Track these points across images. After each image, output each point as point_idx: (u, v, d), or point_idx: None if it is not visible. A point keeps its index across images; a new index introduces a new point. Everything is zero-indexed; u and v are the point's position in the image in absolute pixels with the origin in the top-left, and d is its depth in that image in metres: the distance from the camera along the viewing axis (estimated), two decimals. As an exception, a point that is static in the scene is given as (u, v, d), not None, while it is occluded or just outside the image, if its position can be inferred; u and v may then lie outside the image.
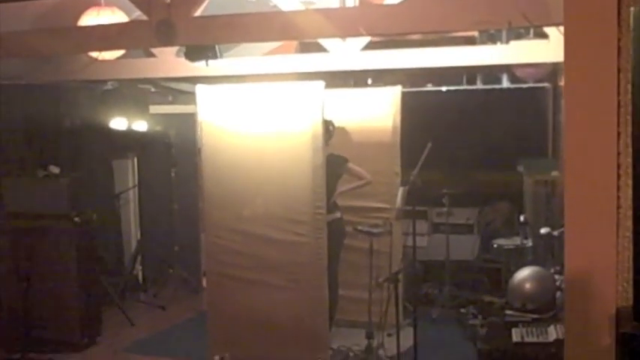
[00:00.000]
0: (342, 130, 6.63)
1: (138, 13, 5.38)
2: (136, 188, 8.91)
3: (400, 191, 5.79)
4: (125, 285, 8.24)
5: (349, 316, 6.64)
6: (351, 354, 6.21)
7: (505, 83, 8.05)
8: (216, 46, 5.23)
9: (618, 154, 2.84)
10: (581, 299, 2.92)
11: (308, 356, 5.71)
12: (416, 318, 5.66)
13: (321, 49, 6.21)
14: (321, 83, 5.56)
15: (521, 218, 7.15)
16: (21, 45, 5.38)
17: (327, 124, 6.04)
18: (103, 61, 6.33)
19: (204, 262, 6.65)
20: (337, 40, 6.05)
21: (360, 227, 6.27)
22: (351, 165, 6.31)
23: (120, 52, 6.18)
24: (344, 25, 4.62)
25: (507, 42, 6.10)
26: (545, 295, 5.58)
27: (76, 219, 6.64)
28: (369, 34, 5.21)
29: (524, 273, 5.88)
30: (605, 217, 2.83)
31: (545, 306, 5.52)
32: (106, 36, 5.25)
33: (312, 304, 5.74)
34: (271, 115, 5.74)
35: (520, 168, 7.66)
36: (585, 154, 2.84)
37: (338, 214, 6.34)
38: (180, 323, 7.54)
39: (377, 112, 6.77)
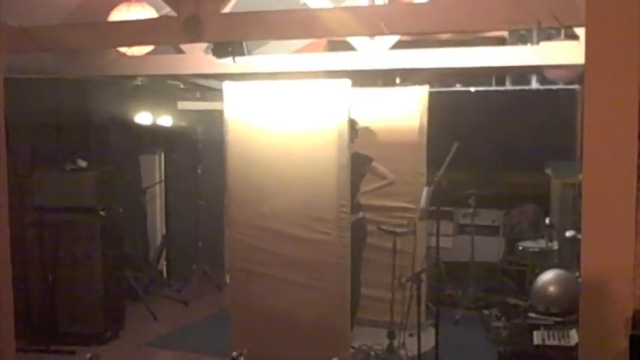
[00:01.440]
0: (369, 129, 6.61)
1: (167, 10, 5.41)
2: (163, 183, 8.97)
3: (425, 191, 5.76)
4: (149, 279, 8.30)
5: (371, 315, 6.63)
6: (372, 353, 6.20)
7: (534, 84, 7.99)
8: (244, 43, 5.24)
9: (639, 156, 2.80)
10: (598, 302, 2.89)
11: (329, 354, 5.68)
12: (438, 319, 5.64)
13: (349, 47, 6.20)
14: (348, 81, 5.55)
15: (547, 221, 7.09)
16: (52, 39, 5.42)
17: (352, 123, 6.03)
18: (132, 57, 6.36)
19: (228, 259, 6.66)
20: (366, 39, 6.04)
21: (384, 227, 6.26)
22: (375, 164, 6.29)
23: (149, 48, 6.21)
24: (372, 23, 4.60)
25: (537, 43, 6.05)
26: (569, 298, 5.52)
27: (103, 213, 6.70)
28: (395, 33, 5.20)
29: (548, 276, 5.84)
30: (623, 221, 2.80)
31: (568, 309, 5.47)
32: (135, 31, 5.28)
33: (334, 303, 5.72)
34: (297, 112, 5.74)
35: (548, 170, 7.59)
36: (604, 156, 2.80)
37: (361, 214, 6.33)
38: (203, 319, 7.58)
39: (404, 112, 6.75)
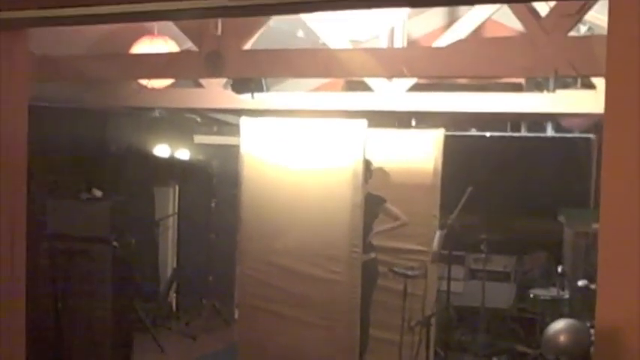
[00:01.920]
0: (383, 170, 6.63)
1: (189, 44, 5.49)
2: (176, 216, 8.99)
3: (437, 234, 5.77)
4: (158, 312, 8.27)
5: (379, 357, 6.57)
6: (380, 396, 6.15)
7: (550, 132, 8.01)
8: (263, 80, 5.31)
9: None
10: (612, 353, 2.86)
11: (336, 395, 5.67)
12: (447, 364, 5.60)
13: (366, 88, 6.25)
14: (364, 122, 5.59)
15: (559, 269, 7.05)
16: (74, 69, 5.52)
17: (367, 164, 6.06)
18: (152, 89, 6.44)
19: (238, 294, 6.66)
20: (383, 80, 6.09)
21: (395, 268, 6.24)
22: (388, 205, 6.30)
23: (169, 81, 6.29)
24: (390, 65, 4.65)
25: (554, 91, 6.07)
26: (580, 348, 5.48)
27: (115, 243, 6.71)
28: (413, 75, 5.24)
29: (559, 325, 5.79)
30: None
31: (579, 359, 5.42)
32: (156, 64, 5.36)
33: (343, 343, 5.70)
34: (313, 150, 5.77)
35: (561, 218, 7.57)
36: (622, 205, 2.80)
37: (373, 254, 6.32)
38: (210, 354, 7.54)
39: (419, 154, 6.76)
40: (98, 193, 6.94)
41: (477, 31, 6.29)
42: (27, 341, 4.16)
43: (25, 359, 4.17)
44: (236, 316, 7.25)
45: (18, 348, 3.92)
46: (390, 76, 5.76)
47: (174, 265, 8.97)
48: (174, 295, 8.86)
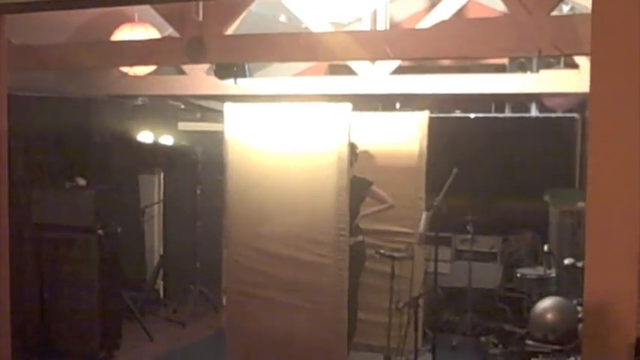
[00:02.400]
0: (368, 153, 6.63)
1: (170, 31, 5.45)
2: (161, 203, 8.97)
3: (424, 216, 5.77)
4: (146, 299, 8.27)
5: (368, 339, 6.60)
6: (369, 378, 6.18)
7: (534, 112, 8.04)
8: (246, 65, 5.29)
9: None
10: (600, 329, 2.89)
11: (325, 378, 5.69)
12: (435, 344, 5.63)
13: (350, 71, 6.24)
14: (348, 105, 5.57)
15: (546, 248, 7.09)
16: (55, 58, 5.47)
17: (352, 147, 6.06)
18: (134, 77, 6.41)
19: (225, 280, 6.66)
20: (366, 64, 6.08)
21: (381, 251, 6.25)
22: (374, 188, 6.29)
23: (151, 68, 6.25)
24: (373, 47, 4.64)
25: (537, 71, 6.09)
26: (567, 326, 5.52)
27: (100, 231, 6.69)
28: (396, 57, 5.23)
29: (546, 303, 5.83)
30: (627, 247, 2.81)
31: (566, 337, 5.46)
32: (137, 51, 5.32)
33: (331, 326, 5.71)
34: (297, 135, 5.76)
35: (546, 198, 7.61)
36: (609, 182, 2.82)
37: (360, 237, 6.33)
38: (199, 340, 7.54)
39: (404, 137, 6.76)
40: (82, 182, 6.92)
41: (460, 13, 6.28)
42: (14, 330, 4.15)
43: (12, 348, 4.16)
44: (224, 302, 7.24)
45: (3, 336, 3.91)
46: (373, 59, 5.75)
47: (161, 253, 8.96)
48: (162, 282, 8.85)
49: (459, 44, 4.37)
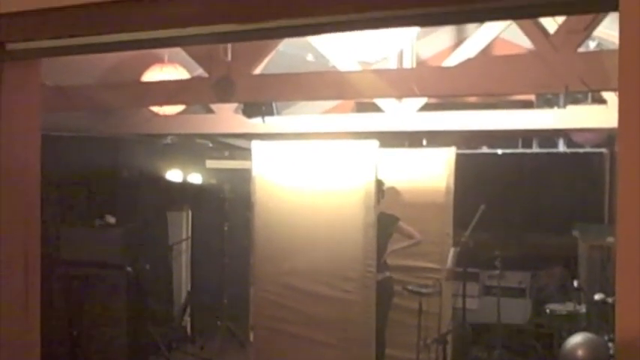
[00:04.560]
0: (395, 189, 6.64)
1: (200, 71, 5.53)
2: (189, 240, 9.00)
3: (451, 252, 5.76)
4: (173, 336, 8.27)
5: (396, 377, 6.56)
6: (398, 416, 6.12)
7: (561, 147, 8.00)
8: (273, 104, 5.34)
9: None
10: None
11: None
12: (465, 382, 5.57)
13: (377, 109, 6.27)
14: (375, 142, 5.61)
15: (575, 284, 7.02)
16: (86, 98, 5.56)
17: (379, 184, 6.08)
18: (164, 116, 6.49)
19: (252, 316, 6.66)
20: (393, 101, 6.11)
21: (409, 287, 6.23)
22: (402, 224, 6.30)
23: (180, 108, 6.33)
24: (400, 85, 4.67)
25: (564, 106, 6.08)
26: (599, 363, 5.45)
27: (129, 269, 6.73)
28: (423, 95, 5.26)
29: (576, 339, 5.76)
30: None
31: (598, 375, 5.39)
32: (167, 91, 5.39)
33: (360, 363, 5.69)
34: (324, 172, 5.79)
35: (575, 233, 7.55)
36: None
37: (388, 273, 6.32)
38: (227, 377, 7.53)
39: (430, 173, 6.77)
40: (112, 220, 6.98)
41: (486, 50, 6.31)
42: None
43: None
44: (251, 338, 7.22)
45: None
46: (399, 97, 5.78)
47: (189, 289, 8.97)
48: (189, 318, 8.85)
49: (486, 81, 4.39)
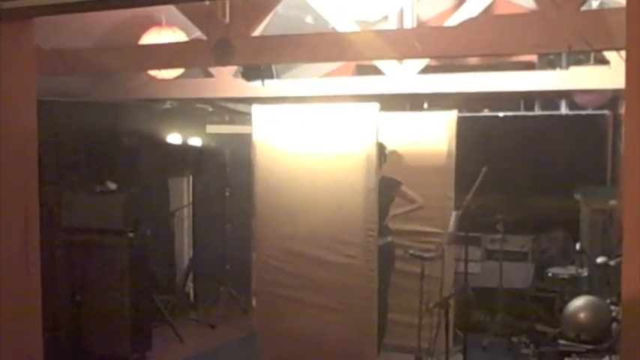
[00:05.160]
0: (397, 153, 6.60)
1: (198, 34, 5.47)
2: (191, 206, 9.00)
3: (453, 216, 5.73)
4: (176, 302, 8.30)
5: (398, 340, 6.58)
6: (400, 379, 6.15)
7: (564, 110, 7.94)
8: (273, 67, 5.28)
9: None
10: (639, 328, 2.83)
11: (356, 379, 5.68)
12: (466, 345, 5.59)
13: (377, 71, 6.21)
14: (376, 105, 5.56)
15: (577, 247, 7.01)
16: (84, 62, 5.50)
17: (382, 147, 6.05)
18: (162, 80, 6.44)
19: (254, 282, 6.67)
20: (394, 63, 6.05)
21: (411, 251, 6.22)
22: (404, 188, 6.27)
23: (179, 72, 6.28)
24: (401, 46, 4.61)
25: (567, 67, 6.02)
26: (601, 325, 5.46)
27: (131, 235, 6.72)
28: (425, 55, 5.19)
29: (579, 302, 5.77)
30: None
31: (600, 337, 5.40)
32: (166, 55, 5.33)
33: (361, 327, 5.70)
34: (325, 136, 5.76)
35: (577, 196, 7.52)
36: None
37: (389, 238, 6.30)
38: (230, 342, 7.55)
39: (432, 136, 6.73)
40: (112, 186, 6.95)
41: (488, 10, 6.24)
42: (46, 334, 4.18)
43: (45, 352, 4.18)
44: (254, 303, 7.26)
45: (35, 341, 3.93)
46: (400, 57, 5.71)
47: (191, 255, 8.99)
48: (192, 284, 8.88)
49: (488, 41, 4.32)
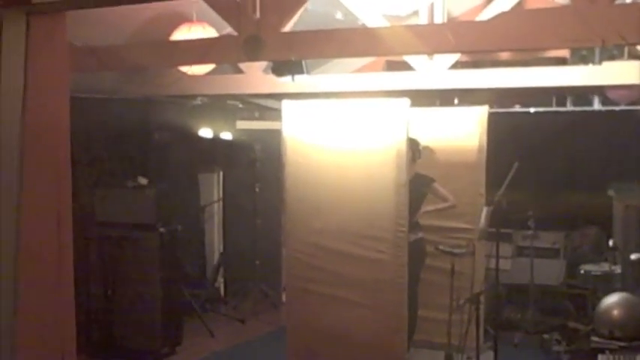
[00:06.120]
0: (430, 149, 6.57)
1: (228, 29, 5.48)
2: (221, 201, 9.04)
3: (484, 211, 5.69)
4: (206, 297, 8.34)
5: (428, 336, 6.56)
6: (430, 375, 6.12)
7: (596, 105, 7.83)
8: (303, 62, 5.27)
9: None
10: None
11: (386, 375, 5.66)
12: (497, 342, 5.54)
13: (407, 67, 6.19)
14: (406, 100, 5.53)
15: (611, 243, 6.93)
16: (116, 58, 5.53)
17: (415, 143, 6.05)
18: (193, 77, 6.46)
19: (284, 277, 6.68)
20: (424, 59, 6.02)
21: (441, 247, 6.19)
22: (437, 185, 6.26)
23: (209, 68, 6.30)
24: (432, 40, 4.58)
25: (600, 63, 5.95)
26: (635, 322, 5.41)
27: (162, 230, 6.77)
28: (455, 49, 5.15)
29: (612, 299, 5.71)
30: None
31: (634, 334, 5.34)
32: (196, 50, 5.35)
33: (391, 323, 5.68)
34: (355, 131, 5.74)
35: (610, 192, 7.43)
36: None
37: (420, 234, 6.29)
38: (259, 337, 7.59)
39: (463, 132, 6.69)
40: (144, 181, 7.00)
41: (519, 5, 6.18)
42: (78, 327, 4.22)
43: (77, 346, 4.23)
44: (284, 298, 7.28)
45: (68, 333, 3.97)
46: (431, 52, 5.68)
47: (221, 250, 9.03)
48: (222, 279, 8.92)
49: (521, 35, 4.27)
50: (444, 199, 6.30)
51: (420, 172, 6.17)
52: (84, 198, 6.85)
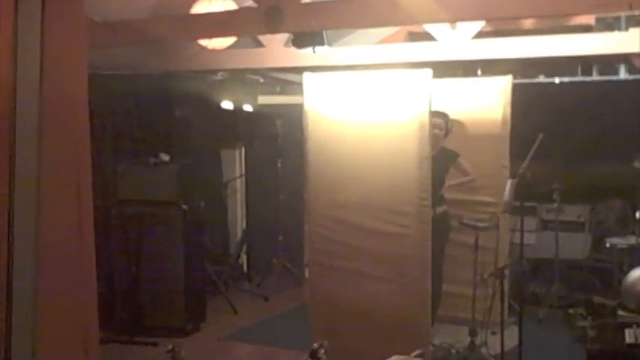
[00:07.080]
0: (459, 122, 6.50)
1: (248, 2, 5.43)
2: (243, 178, 9.02)
3: (509, 184, 5.59)
4: (230, 273, 8.36)
5: (452, 312, 6.52)
6: (453, 351, 6.07)
7: (623, 74, 7.69)
8: (324, 32, 5.21)
9: None
10: None
11: (409, 350, 5.60)
12: (521, 317, 5.47)
13: (430, 38, 6.10)
14: (429, 71, 5.44)
15: (637, 216, 6.82)
16: (135, 33, 5.51)
17: (445, 117, 6.01)
18: (213, 51, 6.42)
19: (307, 253, 6.65)
20: (446, 29, 5.93)
21: (465, 221, 6.12)
22: (461, 160, 6.22)
23: (229, 42, 6.25)
24: (454, 9, 4.50)
25: (626, 29, 5.82)
26: (662, 295, 5.31)
27: (184, 206, 6.77)
28: (480, 17, 5.06)
29: (638, 273, 5.62)
30: None
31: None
32: (216, 23, 5.32)
33: (415, 298, 5.63)
34: (378, 103, 5.66)
35: (636, 163, 7.30)
36: None
37: (445, 207, 6.23)
38: (283, 313, 7.59)
39: (486, 103, 6.61)
40: (166, 158, 6.98)
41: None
42: (104, 305, 4.23)
43: (100, 323, 4.24)
44: (307, 275, 7.26)
45: (91, 310, 3.98)
46: (453, 20, 5.58)
47: (244, 227, 9.03)
48: (245, 256, 8.93)
49: (546, 1, 4.19)
50: (465, 173, 6.25)
51: (446, 147, 6.11)
52: (106, 175, 6.85)
